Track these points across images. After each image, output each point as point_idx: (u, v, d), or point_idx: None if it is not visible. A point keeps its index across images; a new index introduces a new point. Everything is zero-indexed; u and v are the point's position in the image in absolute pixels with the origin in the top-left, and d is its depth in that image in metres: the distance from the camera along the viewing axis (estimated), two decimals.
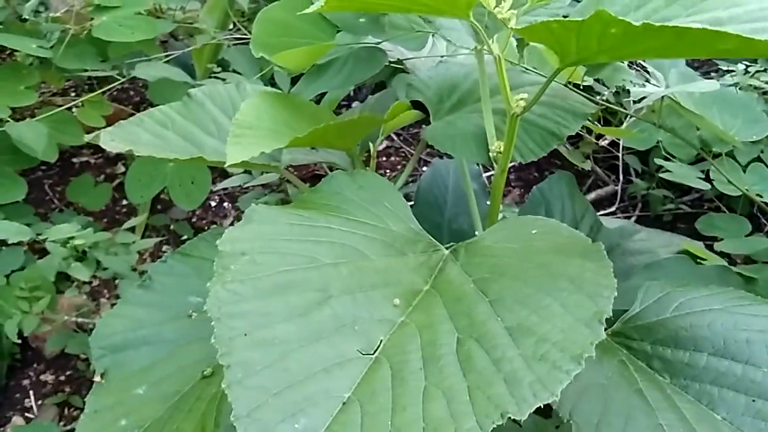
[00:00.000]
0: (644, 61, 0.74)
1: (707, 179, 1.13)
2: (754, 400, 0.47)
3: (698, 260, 0.85)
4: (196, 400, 0.51)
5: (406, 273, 0.44)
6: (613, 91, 0.90)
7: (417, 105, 0.70)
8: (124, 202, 1.51)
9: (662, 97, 0.67)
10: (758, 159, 1.18)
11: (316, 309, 0.39)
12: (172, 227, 1.45)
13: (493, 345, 0.35)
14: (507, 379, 0.33)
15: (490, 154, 0.60)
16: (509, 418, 0.31)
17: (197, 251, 0.63)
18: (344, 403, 0.33)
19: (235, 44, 1.37)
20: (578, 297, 0.37)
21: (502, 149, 0.57)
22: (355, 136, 0.61)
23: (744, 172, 1.06)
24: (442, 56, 0.73)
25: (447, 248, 0.49)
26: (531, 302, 0.37)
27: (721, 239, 1.04)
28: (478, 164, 1.51)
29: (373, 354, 0.37)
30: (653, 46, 0.40)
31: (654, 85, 0.67)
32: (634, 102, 0.67)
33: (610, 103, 0.97)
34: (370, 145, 0.67)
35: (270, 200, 1.09)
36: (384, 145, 1.70)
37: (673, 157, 1.19)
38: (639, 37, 0.38)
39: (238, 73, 1.31)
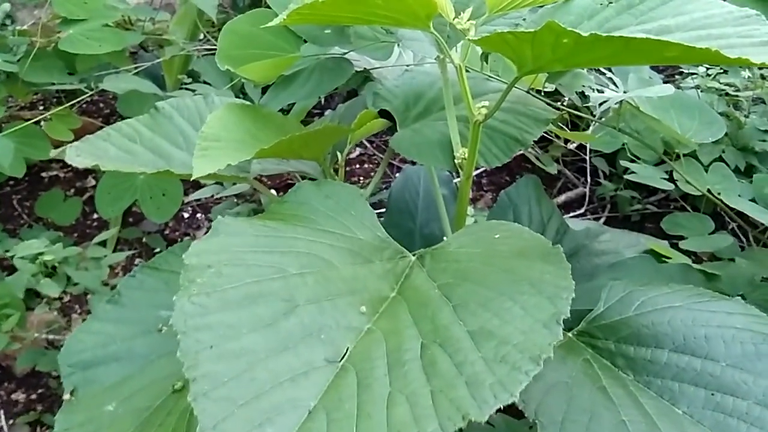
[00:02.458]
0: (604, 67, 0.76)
1: (671, 180, 1.16)
2: (713, 394, 0.49)
3: (663, 259, 0.87)
4: (167, 414, 0.51)
5: (372, 280, 0.45)
6: (578, 95, 0.92)
7: (384, 114, 0.71)
8: (95, 216, 1.49)
9: (620, 102, 0.69)
10: (720, 159, 1.21)
11: (283, 319, 0.39)
12: (144, 240, 1.43)
13: (456, 349, 0.36)
14: (469, 382, 0.33)
15: (456, 160, 0.61)
16: (470, 420, 0.31)
17: (167, 265, 0.63)
18: (310, 412, 0.34)
19: (204, 55, 1.37)
20: (538, 299, 0.38)
21: (466, 156, 0.58)
22: (322, 146, 0.61)
23: (706, 171, 1.10)
24: (408, 65, 0.74)
25: (414, 255, 0.50)
26: (493, 306, 0.38)
27: (685, 238, 1.07)
28: (449, 170, 1.53)
29: (339, 362, 0.37)
30: (604, 54, 0.41)
31: (612, 90, 0.69)
32: (598, 106, 0.69)
33: (574, 108, 0.99)
34: (338, 154, 0.68)
35: (242, 210, 1.09)
36: (357, 152, 1.71)
37: (638, 158, 1.22)
38: (590, 47, 0.40)
39: (209, 84, 1.31)
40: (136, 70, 1.35)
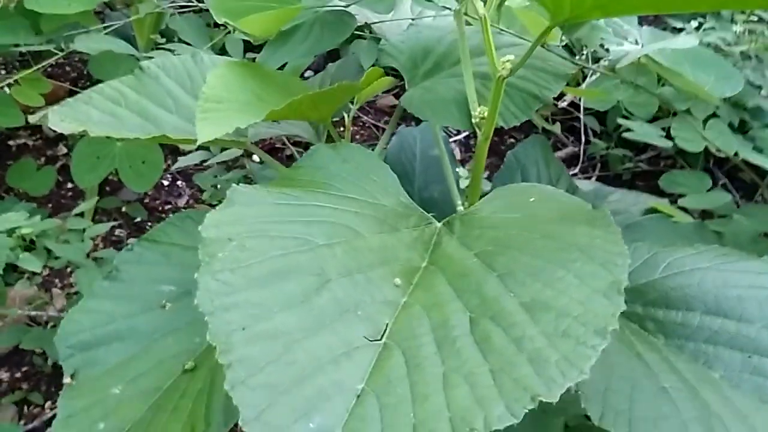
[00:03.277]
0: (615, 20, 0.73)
1: (667, 137, 1.15)
2: (750, 357, 0.47)
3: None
4: (180, 397, 0.47)
5: (402, 249, 0.42)
6: (591, 51, 0.89)
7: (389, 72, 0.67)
8: (69, 185, 1.42)
9: (639, 55, 0.65)
10: (714, 115, 1.20)
11: (315, 295, 0.36)
12: (123, 210, 1.38)
13: (511, 323, 0.33)
14: (531, 359, 0.31)
15: (473, 120, 0.57)
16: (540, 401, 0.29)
17: (166, 237, 0.58)
18: (359, 396, 0.31)
19: (180, 12, 1.29)
20: (591, 267, 0.35)
21: (485, 114, 0.55)
22: (331, 106, 0.57)
23: (704, 128, 1.08)
24: (412, 19, 0.70)
25: (441, 222, 0.47)
26: (543, 275, 0.36)
27: (683, 195, 1.06)
28: (445, 130, 1.48)
29: (380, 340, 0.34)
30: None
31: (631, 43, 0.66)
32: (606, 61, 0.66)
33: (585, 63, 0.96)
34: (345, 115, 0.64)
35: (233, 177, 1.04)
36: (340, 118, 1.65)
37: (632, 116, 1.20)
38: None
39: (187, 44, 1.23)
40: (106, 30, 1.27)
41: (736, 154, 1.08)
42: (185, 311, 0.54)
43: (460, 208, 0.66)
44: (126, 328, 0.54)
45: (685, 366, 0.47)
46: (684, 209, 1.02)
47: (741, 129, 1.22)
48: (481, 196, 0.63)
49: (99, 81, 0.69)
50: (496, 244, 0.40)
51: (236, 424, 0.38)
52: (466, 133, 1.54)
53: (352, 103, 0.72)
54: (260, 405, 0.30)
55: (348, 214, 0.43)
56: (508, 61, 0.50)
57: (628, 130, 1.17)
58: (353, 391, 0.31)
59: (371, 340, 0.34)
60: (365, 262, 0.39)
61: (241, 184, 0.42)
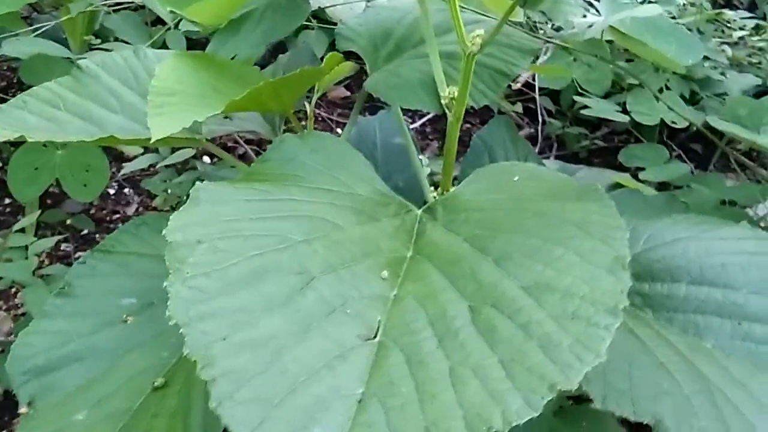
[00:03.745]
0: None
1: (623, 112, 1.16)
2: (739, 323, 0.47)
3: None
4: (152, 416, 0.44)
5: (384, 240, 0.39)
6: (552, 25, 0.88)
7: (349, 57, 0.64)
8: (7, 201, 1.33)
9: (604, 26, 0.65)
10: (666, 87, 1.22)
11: (299, 295, 0.33)
12: (68, 222, 1.30)
13: (515, 309, 0.31)
14: (542, 346, 0.29)
15: (442, 101, 0.55)
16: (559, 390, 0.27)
17: (121, 246, 0.54)
18: (360, 401, 0.28)
19: (116, 10, 1.22)
20: (591, 243, 0.34)
21: (455, 94, 0.53)
22: (294, 94, 0.54)
23: (657, 101, 1.09)
24: (367, 0, 0.67)
25: (421, 208, 0.44)
26: (541, 255, 0.34)
27: (642, 169, 1.07)
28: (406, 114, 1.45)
29: (375, 338, 0.32)
30: None
31: (593, 14, 0.65)
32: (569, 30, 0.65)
33: (549, 37, 0.95)
34: (306, 104, 0.60)
35: (185, 180, 0.99)
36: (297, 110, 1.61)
37: (587, 93, 1.21)
38: None
39: (125, 42, 1.17)
40: (35, 33, 1.19)
41: (703, 126, 1.10)
42: (149, 324, 0.50)
43: (431, 195, 0.64)
44: (85, 348, 0.49)
45: (677, 338, 0.46)
46: (641, 182, 1.03)
47: (691, 100, 1.24)
48: (453, 181, 0.61)
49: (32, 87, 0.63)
50: (485, 227, 0.38)
51: None
52: (422, 120, 1.52)
53: (311, 93, 0.68)
54: (253, 421, 0.27)
55: (324, 207, 0.40)
56: (478, 36, 0.48)
57: (584, 107, 1.18)
58: (353, 396, 0.28)
59: (365, 340, 0.32)
60: (348, 256, 0.37)
61: (205, 182, 0.39)
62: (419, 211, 0.44)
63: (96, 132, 0.60)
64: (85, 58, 1.01)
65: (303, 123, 0.69)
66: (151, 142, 0.43)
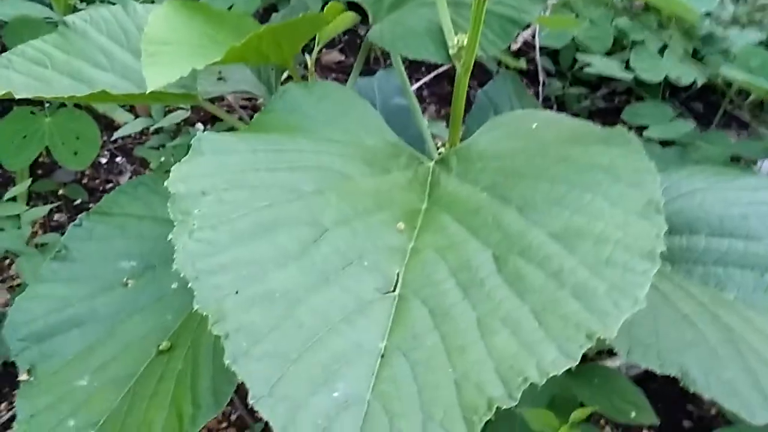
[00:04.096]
0: None
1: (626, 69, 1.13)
2: (762, 275, 0.45)
3: None
4: (158, 381, 0.42)
5: (397, 192, 0.37)
6: None
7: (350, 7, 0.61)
8: None
9: None
10: (666, 46, 1.19)
11: (313, 247, 0.31)
12: (61, 192, 1.27)
13: (544, 257, 0.29)
14: (576, 294, 0.27)
15: (450, 51, 0.52)
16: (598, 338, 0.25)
17: (118, 207, 0.52)
18: (383, 356, 0.27)
19: None
20: (620, 187, 0.32)
21: (464, 43, 0.50)
22: (295, 43, 0.51)
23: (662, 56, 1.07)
24: None
25: (433, 159, 0.42)
26: (569, 201, 0.32)
27: (646, 127, 1.05)
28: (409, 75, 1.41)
29: (394, 291, 0.30)
30: None
31: None
32: None
33: None
34: (307, 57, 0.58)
35: (179, 144, 0.96)
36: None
37: (588, 51, 1.18)
38: None
39: (112, 3, 1.12)
40: None
41: (693, 84, 1.08)
42: (150, 287, 0.48)
43: (436, 154, 0.61)
44: (85, 312, 0.47)
45: (698, 290, 0.45)
46: (648, 141, 1.01)
47: (694, 57, 1.22)
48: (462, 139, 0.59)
49: None
50: (505, 175, 0.36)
51: (231, 403, 0.33)
52: (419, 83, 1.49)
53: (310, 49, 0.65)
54: (271, 377, 0.25)
55: (334, 158, 0.38)
56: None
57: (585, 66, 1.15)
58: (375, 350, 0.27)
59: (384, 293, 0.30)
60: (361, 208, 0.35)
61: (207, 131, 0.36)
62: (431, 163, 0.42)
63: (85, 91, 0.57)
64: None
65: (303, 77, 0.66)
66: (147, 92, 0.40)
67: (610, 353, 0.81)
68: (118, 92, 0.52)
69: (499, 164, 0.38)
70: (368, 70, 1.57)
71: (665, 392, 0.79)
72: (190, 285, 0.27)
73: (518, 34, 1.15)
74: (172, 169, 0.33)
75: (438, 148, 0.72)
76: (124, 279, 0.48)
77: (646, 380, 0.74)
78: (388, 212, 0.35)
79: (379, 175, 0.38)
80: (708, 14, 1.27)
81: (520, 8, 0.55)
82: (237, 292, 0.28)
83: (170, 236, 0.29)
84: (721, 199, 0.50)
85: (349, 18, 0.58)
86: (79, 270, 0.49)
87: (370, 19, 0.59)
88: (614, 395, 0.56)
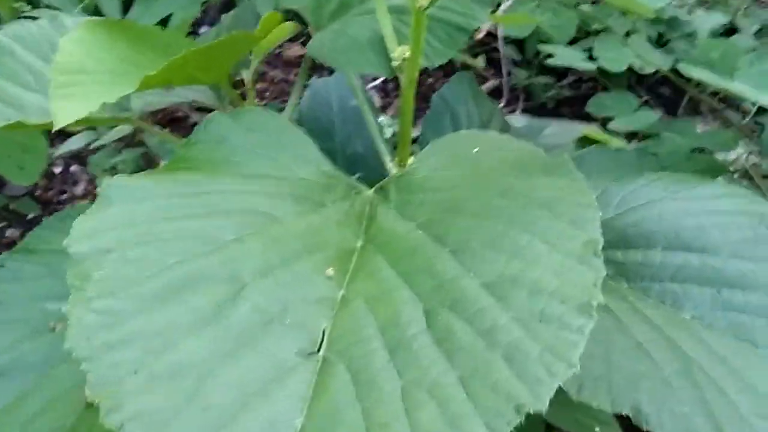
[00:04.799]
0: None
1: (589, 59, 1.11)
2: (719, 291, 0.44)
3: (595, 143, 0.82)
4: None
5: (331, 230, 0.35)
6: None
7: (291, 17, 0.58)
8: None
9: None
10: (629, 33, 1.17)
11: (230, 307, 0.28)
12: (11, 207, 1.22)
13: (475, 311, 0.27)
14: (508, 357, 0.25)
15: (393, 63, 0.50)
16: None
17: (44, 243, 0.48)
18: None
19: None
20: (559, 225, 0.30)
21: (407, 55, 0.47)
22: (225, 64, 0.48)
23: (625, 46, 1.05)
24: None
25: (373, 188, 0.40)
26: (505, 244, 0.29)
27: (611, 118, 1.03)
28: (362, 76, 1.38)
29: (318, 352, 0.28)
30: None
31: None
32: None
33: None
34: (243, 73, 0.54)
35: (128, 158, 0.92)
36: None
37: (552, 40, 1.16)
38: None
39: (55, 9, 1.07)
40: None
41: (671, 69, 1.06)
42: None
43: (390, 165, 0.59)
44: (10, 361, 0.44)
45: (654, 312, 0.43)
46: (613, 133, 1.00)
47: (659, 42, 1.20)
48: (412, 142, 0.56)
49: None
50: (443, 210, 0.34)
51: None
52: (381, 78, 1.46)
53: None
54: None
55: (260, 197, 0.35)
56: None
57: (549, 56, 1.13)
58: (291, 429, 0.24)
59: (306, 355, 0.27)
60: (288, 254, 0.32)
61: (117, 176, 0.33)
62: (371, 192, 0.40)
63: (12, 114, 0.53)
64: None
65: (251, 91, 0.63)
66: (54, 129, 0.37)
67: None
68: (37, 120, 0.48)
69: (438, 197, 0.35)
70: (330, 67, 1.53)
71: None
72: (82, 367, 0.25)
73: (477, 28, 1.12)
74: (74, 223, 0.30)
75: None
76: (52, 323, 0.45)
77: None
78: (319, 255, 0.33)
79: (311, 213, 0.36)
80: None
81: (466, 14, 0.52)
82: (136, 372, 0.25)
83: (63, 308, 0.26)
84: (679, 209, 0.48)
85: (288, 29, 0.55)
86: (4, 314, 0.46)
87: (311, 29, 0.56)
88: (577, 410, 0.55)
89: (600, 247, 0.28)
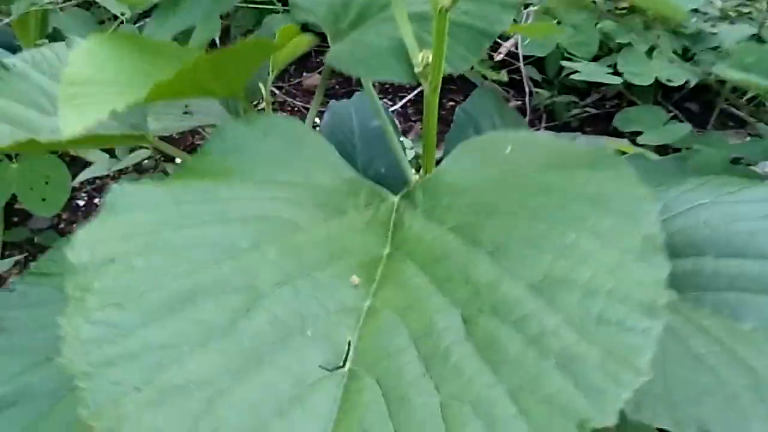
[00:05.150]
0: None
1: (614, 74, 1.08)
2: None
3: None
4: None
5: (355, 237, 0.32)
6: None
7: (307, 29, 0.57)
8: None
9: None
10: (653, 48, 1.15)
11: (244, 319, 0.26)
12: (36, 240, 1.22)
13: (521, 315, 0.24)
14: (562, 365, 0.22)
15: (416, 69, 0.47)
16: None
17: (56, 266, 0.46)
18: None
19: (62, 7, 1.13)
20: (610, 221, 0.26)
21: (430, 60, 0.45)
22: (240, 74, 0.46)
23: (650, 58, 1.02)
24: None
25: (398, 194, 0.37)
26: (549, 243, 0.26)
27: (640, 133, 1.00)
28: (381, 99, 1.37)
29: (343, 367, 0.24)
30: None
31: None
32: None
33: None
34: (261, 87, 0.53)
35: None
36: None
37: (574, 57, 1.13)
38: None
39: None
40: None
41: (685, 84, 1.03)
42: None
43: (414, 178, 0.56)
44: (20, 389, 0.42)
45: (710, 323, 0.40)
46: (643, 147, 0.96)
47: (684, 57, 1.17)
48: (437, 162, 0.54)
49: None
50: (476, 212, 0.31)
51: None
52: (404, 101, 1.45)
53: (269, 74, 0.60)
54: None
55: (278, 203, 0.33)
56: None
57: (572, 73, 1.10)
58: None
59: (330, 370, 0.24)
60: (309, 262, 0.29)
61: (125, 184, 0.31)
62: (396, 198, 0.37)
63: (24, 136, 0.52)
64: None
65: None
66: (63, 141, 0.35)
67: None
68: (48, 139, 0.47)
69: (470, 199, 0.32)
70: (349, 91, 1.53)
71: None
72: (78, 384, 0.22)
73: (500, 45, 1.10)
74: (77, 233, 0.28)
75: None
76: None
77: None
78: (342, 264, 0.30)
79: (332, 219, 0.33)
80: (695, 10, 1.23)
81: (489, 18, 0.50)
82: (139, 389, 0.22)
83: (60, 320, 0.24)
84: (728, 214, 0.45)
85: (306, 42, 0.53)
86: (14, 341, 0.44)
87: (329, 41, 0.54)
88: None
89: (661, 241, 0.25)
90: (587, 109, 1.33)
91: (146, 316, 0.25)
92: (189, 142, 1.36)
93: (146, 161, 1.26)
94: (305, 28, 0.56)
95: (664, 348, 0.36)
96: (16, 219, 1.27)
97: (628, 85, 1.12)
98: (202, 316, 0.25)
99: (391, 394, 0.23)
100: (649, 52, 1.10)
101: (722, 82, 1.23)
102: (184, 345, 0.24)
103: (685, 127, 0.95)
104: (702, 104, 1.33)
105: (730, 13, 1.32)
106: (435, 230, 0.31)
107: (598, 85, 1.29)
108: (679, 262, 0.44)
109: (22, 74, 0.57)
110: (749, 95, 1.12)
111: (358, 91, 1.19)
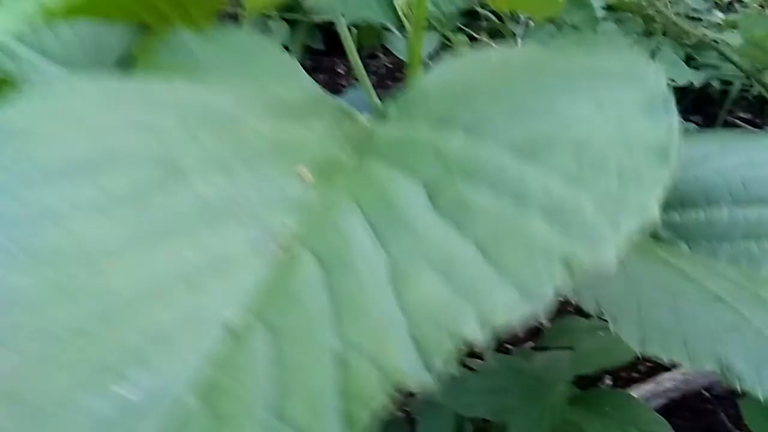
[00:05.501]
0: None
1: None
2: None
3: None
4: None
5: (312, 137, 0.27)
6: None
7: None
8: None
9: None
10: (654, 54, 1.12)
11: (158, 192, 0.21)
12: None
13: (501, 178, 0.19)
14: (547, 214, 0.17)
15: (398, 10, 0.44)
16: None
17: None
18: (233, 330, 0.16)
19: None
20: (610, 84, 0.22)
21: None
22: (205, 6, 0.42)
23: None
24: None
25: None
26: (536, 107, 0.22)
27: None
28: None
29: (276, 246, 0.20)
30: None
31: None
32: None
33: None
34: None
35: None
36: None
37: None
38: None
39: None
40: None
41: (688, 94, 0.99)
42: None
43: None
44: None
45: (727, 270, 0.34)
46: None
47: (688, 63, 1.15)
48: None
49: None
50: (452, 104, 0.26)
51: None
52: None
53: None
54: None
55: (225, 99, 0.28)
56: None
57: None
58: (217, 322, 0.16)
59: (259, 249, 0.19)
60: (250, 153, 0.25)
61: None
62: (366, 116, 0.33)
63: None
64: None
65: None
66: None
67: (625, 381, 0.69)
68: None
69: (451, 95, 0.28)
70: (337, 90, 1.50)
71: (692, 428, 0.67)
72: None
73: None
74: None
75: None
76: None
77: (669, 414, 0.62)
78: (291, 158, 0.25)
79: (287, 121, 0.28)
80: (698, 19, 1.21)
81: None
82: (9, 251, 0.17)
83: None
84: (742, 162, 0.40)
85: None
86: None
87: None
88: (631, 426, 0.44)
89: (671, 100, 0.20)
90: None
91: (31, 179, 0.20)
92: None
93: None
94: None
95: (676, 287, 0.30)
96: None
97: None
98: (104, 183, 0.20)
99: (331, 263, 0.18)
100: (651, 57, 1.07)
101: (724, 92, 1.20)
102: (76, 209, 0.19)
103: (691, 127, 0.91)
104: (705, 116, 1.30)
105: (733, 26, 1.30)
106: (407, 128, 0.27)
107: None
108: (690, 213, 0.39)
109: None
110: (751, 95, 1.09)
111: (351, 85, 1.16)
